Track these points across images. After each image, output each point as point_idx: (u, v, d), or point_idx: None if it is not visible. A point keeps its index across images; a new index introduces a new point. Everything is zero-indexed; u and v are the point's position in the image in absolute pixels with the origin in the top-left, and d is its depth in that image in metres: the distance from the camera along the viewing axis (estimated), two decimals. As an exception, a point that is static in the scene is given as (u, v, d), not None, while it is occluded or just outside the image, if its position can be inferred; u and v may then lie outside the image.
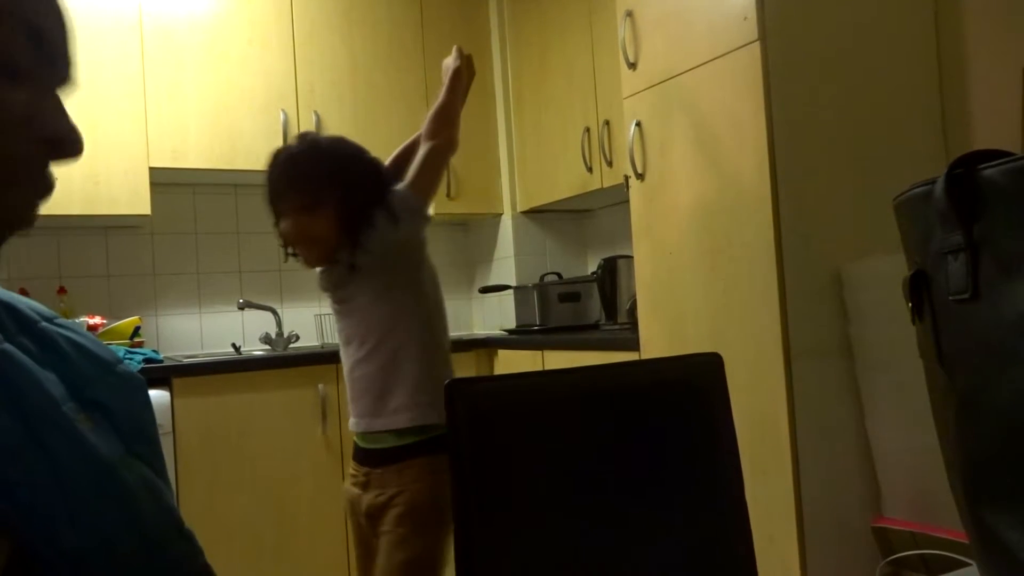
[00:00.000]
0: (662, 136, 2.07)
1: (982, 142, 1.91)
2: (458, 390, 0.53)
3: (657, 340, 2.12)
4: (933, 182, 0.57)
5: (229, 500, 2.57)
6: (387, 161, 1.75)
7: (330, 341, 3.28)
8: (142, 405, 0.59)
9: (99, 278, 3.08)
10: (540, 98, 3.31)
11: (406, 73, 3.33)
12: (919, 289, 0.60)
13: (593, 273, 3.09)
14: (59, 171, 0.54)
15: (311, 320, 3.35)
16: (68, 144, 0.51)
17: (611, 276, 2.92)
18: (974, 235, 0.54)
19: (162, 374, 2.51)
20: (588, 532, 0.57)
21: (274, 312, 3.23)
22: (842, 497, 1.76)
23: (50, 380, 0.52)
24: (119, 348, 2.67)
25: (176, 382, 2.53)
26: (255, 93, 3.04)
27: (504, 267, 3.59)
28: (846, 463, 1.77)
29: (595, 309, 3.16)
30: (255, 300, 3.21)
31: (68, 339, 0.57)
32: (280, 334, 3.21)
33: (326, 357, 2.75)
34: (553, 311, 3.20)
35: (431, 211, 1.65)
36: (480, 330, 3.79)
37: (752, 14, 1.75)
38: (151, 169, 2.85)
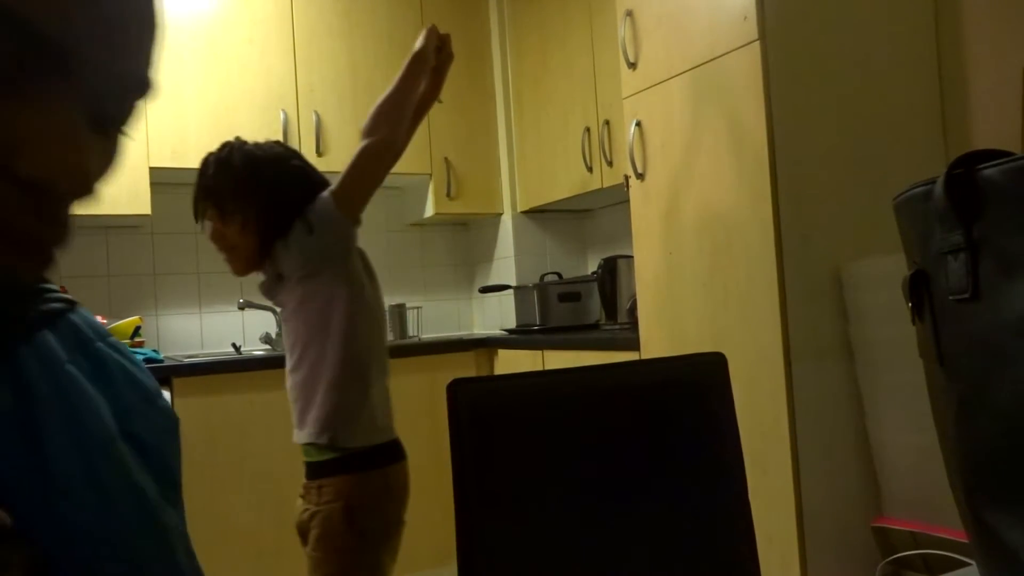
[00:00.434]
0: (662, 136, 2.07)
1: (982, 142, 1.91)
2: (460, 389, 0.53)
3: (657, 340, 2.12)
4: (933, 182, 0.57)
5: (229, 500, 2.57)
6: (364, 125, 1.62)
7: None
8: (175, 446, 0.54)
9: (99, 278, 3.08)
10: (540, 98, 3.31)
11: (406, 73, 3.33)
12: (919, 289, 0.60)
13: (593, 273, 3.09)
14: None
15: (311, 320, 3.35)
16: (61, 183, 0.37)
17: (611, 276, 2.92)
18: (974, 235, 0.54)
19: (162, 374, 2.51)
20: (590, 531, 0.57)
21: (274, 312, 3.23)
22: (842, 497, 1.76)
23: (104, 408, 0.47)
24: (119, 348, 2.67)
25: (176, 382, 2.53)
26: (255, 93, 3.04)
27: (504, 267, 3.60)
28: (846, 463, 1.77)
29: (595, 309, 3.16)
30: (255, 300, 3.20)
31: (118, 363, 0.52)
32: (280, 334, 3.21)
33: None
34: (553, 311, 3.20)
35: (363, 217, 1.55)
36: (480, 330, 3.79)
37: (752, 14, 1.75)
38: (151, 169, 2.85)
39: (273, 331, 3.20)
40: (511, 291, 3.40)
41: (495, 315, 3.68)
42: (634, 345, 2.22)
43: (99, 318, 2.68)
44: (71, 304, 0.48)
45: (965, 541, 0.60)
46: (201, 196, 1.53)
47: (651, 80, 2.10)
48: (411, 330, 3.40)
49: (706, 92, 1.91)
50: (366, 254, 1.60)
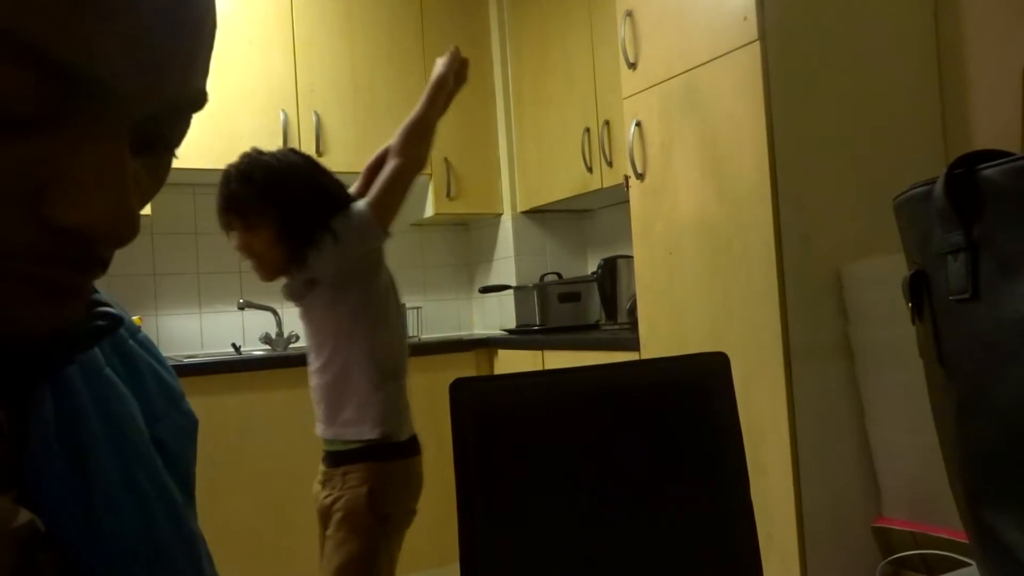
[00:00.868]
0: (662, 136, 2.07)
1: (982, 142, 1.91)
2: (462, 389, 0.53)
3: (657, 340, 2.12)
4: (933, 182, 0.57)
5: (229, 500, 2.57)
6: (367, 163, 1.78)
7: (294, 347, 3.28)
8: (193, 451, 0.52)
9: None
10: (540, 98, 3.31)
11: (406, 73, 3.34)
12: (919, 289, 0.60)
13: (593, 273, 3.09)
14: None
15: (311, 320, 3.36)
16: (100, 228, 0.31)
17: (611, 276, 2.92)
18: (974, 235, 0.54)
19: (162, 374, 2.51)
20: (591, 531, 0.57)
21: (274, 312, 3.23)
22: (842, 497, 1.76)
23: (138, 413, 0.45)
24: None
25: (176, 382, 2.53)
26: (255, 93, 3.04)
27: (504, 267, 3.60)
28: (846, 463, 1.77)
29: (595, 309, 3.16)
30: (255, 300, 3.21)
31: (147, 362, 0.50)
32: (280, 334, 3.21)
33: None
34: (553, 311, 3.20)
35: (391, 228, 1.65)
36: (480, 330, 3.79)
37: (752, 14, 1.75)
38: (151, 169, 2.85)
39: (273, 331, 3.20)
40: (511, 291, 3.40)
41: (495, 315, 3.68)
42: (634, 345, 2.22)
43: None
44: (117, 322, 0.43)
45: (965, 541, 0.60)
46: (225, 208, 1.61)
47: (651, 80, 2.10)
48: (411, 330, 3.41)
49: (707, 92, 1.91)
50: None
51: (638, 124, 2.15)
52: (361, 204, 1.61)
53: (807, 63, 1.80)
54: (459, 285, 3.85)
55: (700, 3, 1.91)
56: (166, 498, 0.45)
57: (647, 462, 0.59)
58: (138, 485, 0.43)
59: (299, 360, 2.76)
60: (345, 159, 3.08)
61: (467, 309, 3.88)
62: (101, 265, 0.35)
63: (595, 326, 3.15)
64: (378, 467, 1.60)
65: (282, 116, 3.07)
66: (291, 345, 3.22)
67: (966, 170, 0.54)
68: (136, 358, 0.49)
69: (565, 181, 3.16)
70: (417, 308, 3.52)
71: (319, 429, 1.67)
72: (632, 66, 2.17)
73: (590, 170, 2.99)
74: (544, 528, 0.54)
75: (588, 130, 2.99)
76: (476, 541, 0.50)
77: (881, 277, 1.70)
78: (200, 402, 2.57)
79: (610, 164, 2.87)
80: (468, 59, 1.71)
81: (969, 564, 0.88)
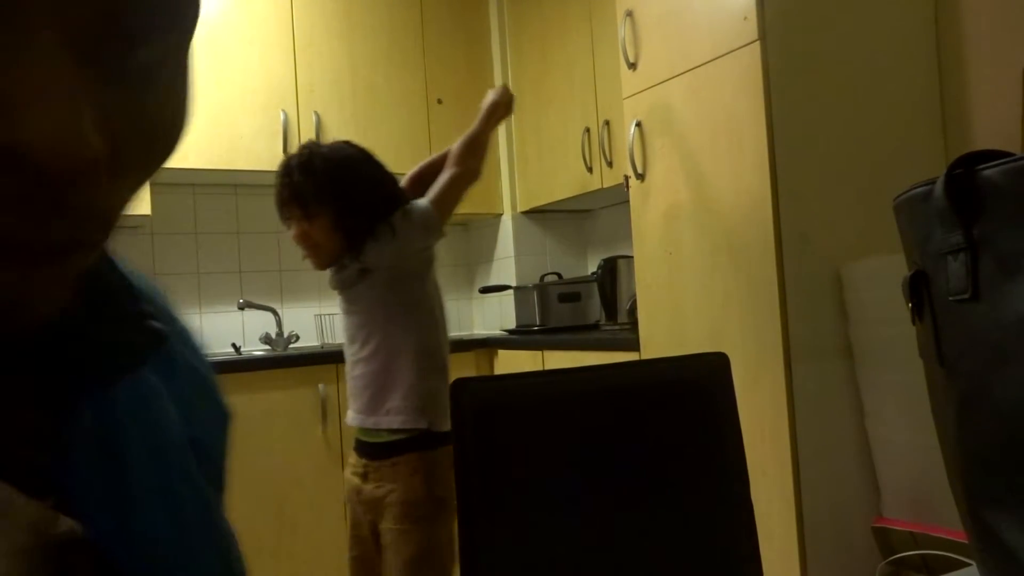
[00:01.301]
0: (662, 136, 2.07)
1: (982, 142, 1.91)
2: (463, 389, 0.53)
3: (657, 340, 2.12)
4: (933, 182, 0.57)
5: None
6: (410, 173, 1.88)
7: (330, 341, 3.28)
8: (225, 443, 0.49)
9: (99, 278, 3.08)
10: (540, 98, 3.31)
11: (406, 74, 3.34)
12: (919, 289, 0.60)
13: (593, 273, 3.09)
14: None
15: (311, 320, 3.35)
16: (37, 153, 0.24)
17: (611, 276, 2.92)
18: (974, 235, 0.54)
19: (162, 374, 2.51)
20: (592, 531, 0.57)
21: (274, 312, 3.23)
22: (842, 497, 1.76)
23: (175, 412, 0.43)
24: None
25: (176, 382, 2.53)
26: (255, 93, 3.04)
27: (504, 267, 3.60)
28: (846, 463, 1.77)
29: (595, 309, 3.16)
30: (255, 300, 3.21)
31: (181, 353, 0.47)
32: (280, 334, 3.21)
33: (326, 357, 2.75)
34: (553, 311, 3.20)
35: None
36: (480, 330, 3.79)
37: (752, 14, 1.75)
38: (151, 169, 2.85)
39: (273, 331, 3.20)
40: (511, 291, 3.40)
41: (495, 315, 3.68)
42: (634, 345, 2.22)
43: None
44: (161, 338, 0.39)
45: (965, 541, 0.60)
46: (286, 200, 1.65)
47: (651, 80, 2.10)
48: (411, 330, 3.40)
49: (706, 92, 1.91)
50: None
51: (638, 124, 2.15)
52: (424, 202, 1.69)
53: (807, 63, 1.80)
54: (459, 285, 3.85)
55: (700, 3, 1.91)
56: (200, 500, 0.44)
57: (647, 462, 0.59)
58: (174, 489, 0.42)
59: (299, 360, 2.77)
60: (345, 159, 3.07)
61: (467, 309, 3.88)
62: (76, 219, 0.27)
63: (595, 326, 3.15)
64: (427, 455, 1.62)
65: (282, 116, 3.07)
66: (291, 345, 3.22)
67: (966, 170, 0.54)
68: (174, 354, 0.47)
69: (565, 181, 3.16)
70: (417, 308, 3.52)
71: (356, 419, 1.69)
72: (632, 66, 2.17)
73: (590, 170, 2.99)
74: (544, 527, 0.54)
75: (588, 130, 2.99)
76: (476, 539, 0.50)
77: (881, 277, 1.70)
78: (200, 402, 2.58)
79: (610, 164, 2.87)
80: (513, 96, 1.89)
81: (969, 564, 0.88)
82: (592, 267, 3.32)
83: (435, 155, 1.91)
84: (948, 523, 1.46)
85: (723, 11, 1.84)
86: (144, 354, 0.39)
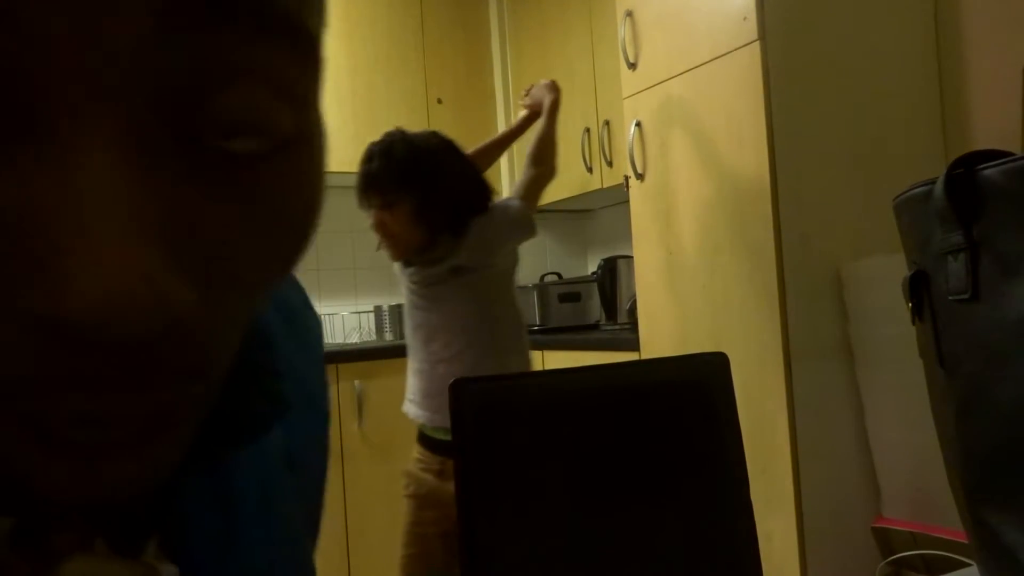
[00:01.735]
0: (662, 136, 2.07)
1: (982, 142, 1.91)
2: (463, 389, 0.53)
3: (657, 340, 2.12)
4: (933, 182, 0.57)
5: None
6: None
7: (333, 340, 3.27)
8: (323, 465, 0.44)
9: (99, 278, 3.08)
10: (540, 98, 3.31)
11: (406, 74, 3.34)
12: (919, 289, 0.60)
13: (593, 273, 3.09)
14: None
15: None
16: (87, 325, 0.18)
17: (611, 276, 2.92)
18: (974, 235, 0.54)
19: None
20: (592, 530, 0.57)
21: (274, 312, 3.22)
22: (842, 497, 1.76)
23: (281, 444, 0.39)
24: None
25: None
26: (255, 93, 3.04)
27: (504, 267, 3.59)
28: (846, 463, 1.77)
29: (595, 309, 3.16)
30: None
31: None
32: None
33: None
34: (553, 311, 3.20)
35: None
36: (480, 330, 3.78)
37: (752, 14, 1.75)
38: (151, 169, 2.85)
39: (273, 331, 3.20)
40: (511, 291, 3.40)
41: (495, 315, 3.68)
42: (634, 345, 2.22)
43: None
44: (287, 406, 0.34)
45: (965, 541, 0.60)
46: (364, 185, 1.62)
47: (651, 80, 2.10)
48: (411, 330, 3.40)
49: (706, 92, 1.91)
50: None
51: (638, 124, 2.15)
52: (516, 200, 1.73)
53: (807, 63, 1.80)
54: (459, 285, 3.85)
55: (700, 3, 1.91)
56: (291, 540, 0.41)
57: (647, 462, 0.59)
58: (272, 532, 0.39)
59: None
60: (345, 159, 3.07)
61: (467, 309, 3.88)
62: (166, 382, 0.21)
63: (595, 326, 3.15)
64: None
65: (282, 116, 3.06)
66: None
67: (966, 170, 0.54)
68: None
69: (565, 181, 3.16)
70: (417, 308, 3.52)
71: (434, 419, 1.63)
72: (632, 66, 2.17)
73: (590, 170, 2.99)
74: (544, 528, 0.54)
75: (588, 130, 2.99)
76: (476, 541, 0.50)
77: (881, 277, 1.70)
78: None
79: (610, 164, 2.87)
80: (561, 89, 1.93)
81: (969, 564, 0.88)
82: (592, 267, 3.33)
83: (481, 145, 1.97)
84: (948, 523, 1.46)
85: (723, 11, 1.84)
86: (270, 423, 0.34)
